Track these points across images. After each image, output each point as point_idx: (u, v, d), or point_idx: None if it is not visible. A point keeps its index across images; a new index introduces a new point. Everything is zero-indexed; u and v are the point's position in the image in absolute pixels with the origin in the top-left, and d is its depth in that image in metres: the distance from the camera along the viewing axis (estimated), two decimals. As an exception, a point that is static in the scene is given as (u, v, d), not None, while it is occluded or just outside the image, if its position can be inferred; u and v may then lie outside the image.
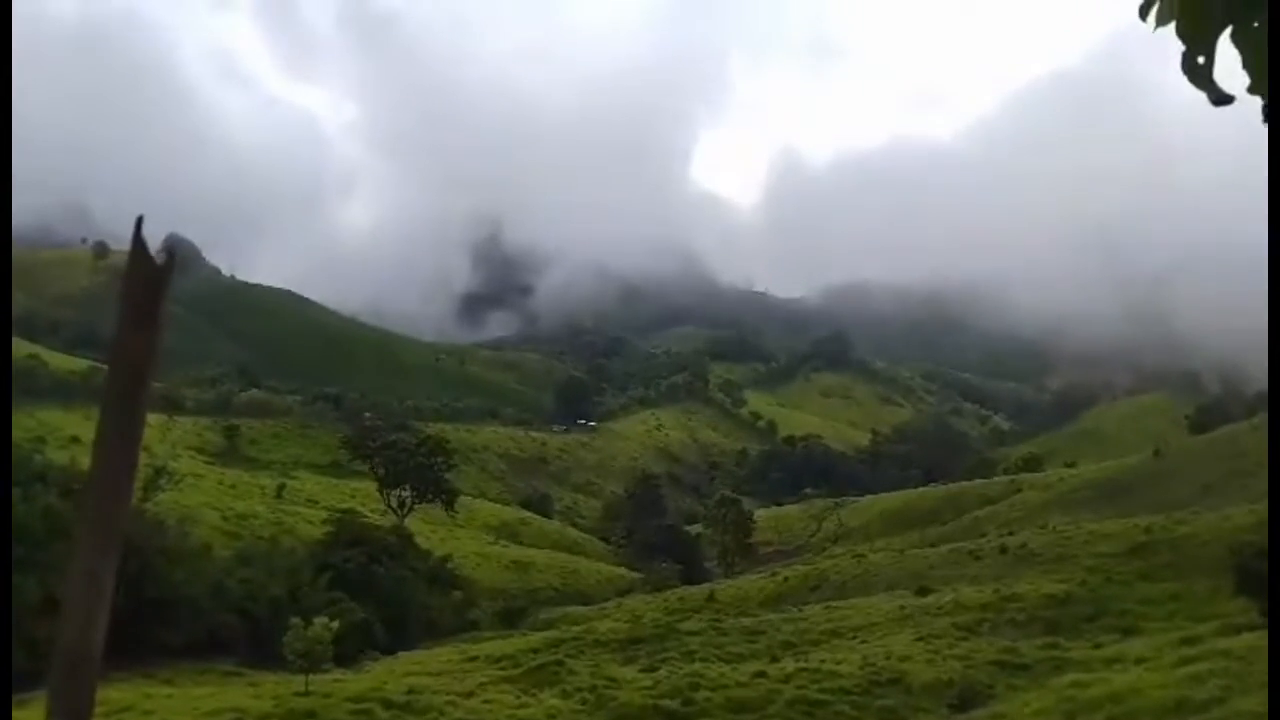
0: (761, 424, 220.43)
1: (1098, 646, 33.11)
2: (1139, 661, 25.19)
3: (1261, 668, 16.92)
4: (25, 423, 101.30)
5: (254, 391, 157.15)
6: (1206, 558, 41.04)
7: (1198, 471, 78.50)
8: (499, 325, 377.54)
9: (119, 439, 2.10)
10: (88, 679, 2.01)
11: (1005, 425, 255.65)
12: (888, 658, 35.13)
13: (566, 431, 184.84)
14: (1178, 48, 2.04)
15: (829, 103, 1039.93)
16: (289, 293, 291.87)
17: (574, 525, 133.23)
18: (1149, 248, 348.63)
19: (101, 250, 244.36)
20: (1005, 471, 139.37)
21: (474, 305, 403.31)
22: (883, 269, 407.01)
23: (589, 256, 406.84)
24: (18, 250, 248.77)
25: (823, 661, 35.75)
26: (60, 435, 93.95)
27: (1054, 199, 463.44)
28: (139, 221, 2.10)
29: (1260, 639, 21.14)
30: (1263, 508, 43.85)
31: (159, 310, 2.13)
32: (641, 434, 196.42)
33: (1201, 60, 2.03)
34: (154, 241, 2.08)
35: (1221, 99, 2.06)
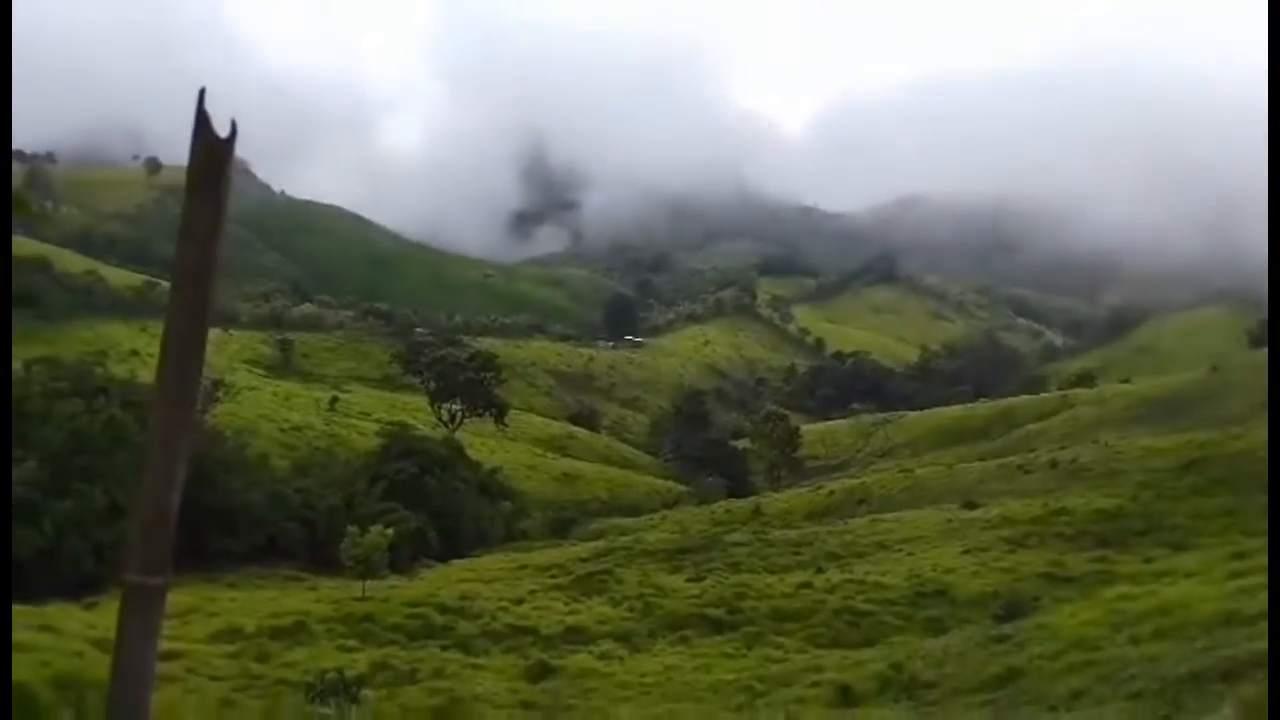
0: (809, 340, 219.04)
1: (1148, 560, 32.94)
2: (1189, 575, 25.04)
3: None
4: (85, 336, 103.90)
5: (306, 306, 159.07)
6: (1261, 474, 40.35)
7: (1257, 387, 76.72)
8: (546, 241, 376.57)
9: (190, 309, 2.19)
10: (167, 532, 2.14)
11: (1058, 341, 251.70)
12: (933, 570, 35.27)
13: (614, 347, 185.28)
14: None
15: (884, 22, 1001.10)
16: (338, 209, 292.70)
17: (622, 440, 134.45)
18: (1218, 166, 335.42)
19: (154, 166, 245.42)
20: (1058, 387, 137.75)
21: (521, 222, 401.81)
22: (935, 186, 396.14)
23: (635, 173, 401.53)
24: (70, 169, 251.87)
25: (868, 573, 36.00)
26: (120, 350, 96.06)
27: (1119, 118, 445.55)
28: (202, 93, 2.13)
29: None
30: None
31: (223, 180, 2.18)
32: (688, 350, 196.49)
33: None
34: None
35: None
